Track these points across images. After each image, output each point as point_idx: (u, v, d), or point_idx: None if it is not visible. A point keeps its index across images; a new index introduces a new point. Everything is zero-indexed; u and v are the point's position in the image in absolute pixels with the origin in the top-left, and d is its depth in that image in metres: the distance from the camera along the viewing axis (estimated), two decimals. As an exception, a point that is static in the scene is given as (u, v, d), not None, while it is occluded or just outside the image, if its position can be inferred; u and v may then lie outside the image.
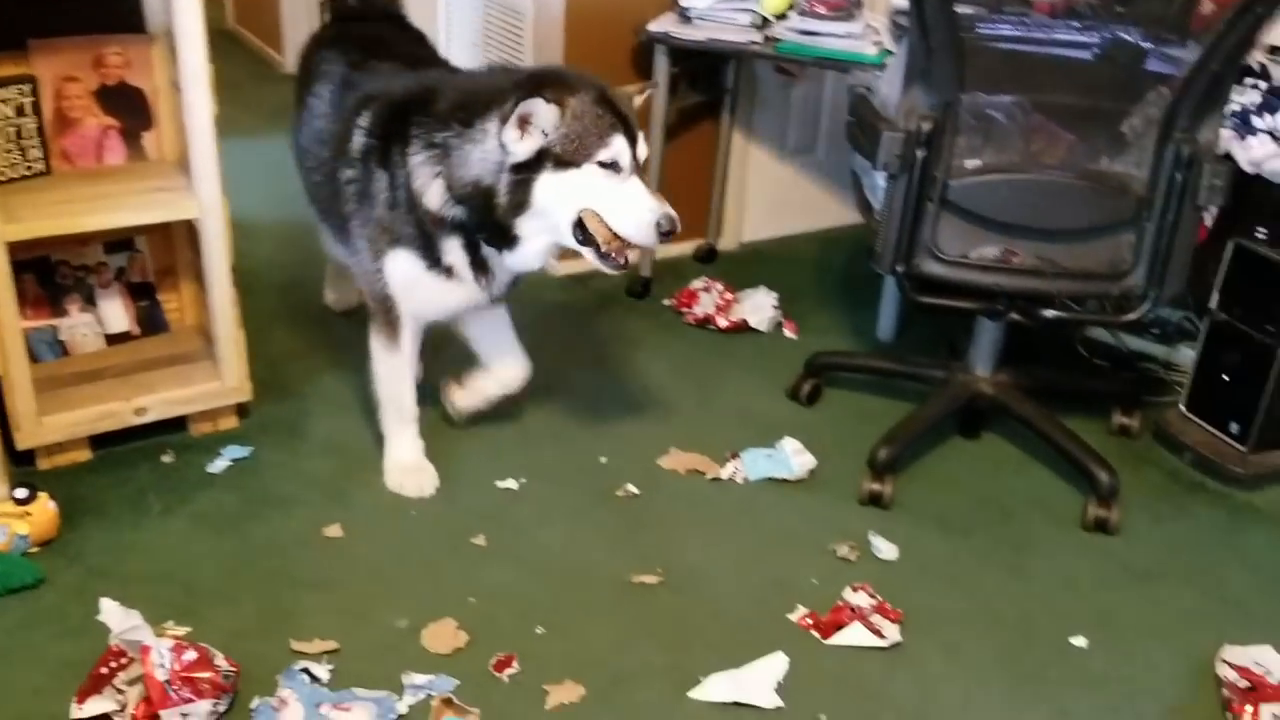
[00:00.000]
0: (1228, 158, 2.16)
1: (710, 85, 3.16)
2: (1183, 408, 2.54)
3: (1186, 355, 2.63)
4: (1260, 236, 2.35)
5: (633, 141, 1.96)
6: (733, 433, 2.51)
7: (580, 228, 1.98)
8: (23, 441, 2.15)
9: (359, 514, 2.18)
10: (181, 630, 1.81)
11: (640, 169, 1.98)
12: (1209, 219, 2.28)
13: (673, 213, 1.95)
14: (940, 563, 2.15)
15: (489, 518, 2.19)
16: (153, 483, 2.22)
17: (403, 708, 1.71)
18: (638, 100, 2.08)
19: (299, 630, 1.86)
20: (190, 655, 1.68)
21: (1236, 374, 2.41)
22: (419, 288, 2.14)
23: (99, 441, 2.27)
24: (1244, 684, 1.85)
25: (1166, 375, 2.78)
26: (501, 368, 2.39)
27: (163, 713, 1.63)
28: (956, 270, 2.19)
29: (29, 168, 2.20)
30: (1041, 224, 2.15)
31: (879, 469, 2.29)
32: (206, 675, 1.67)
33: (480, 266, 2.11)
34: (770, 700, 1.79)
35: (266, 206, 3.38)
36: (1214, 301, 2.44)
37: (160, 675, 1.64)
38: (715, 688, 1.80)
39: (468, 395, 2.42)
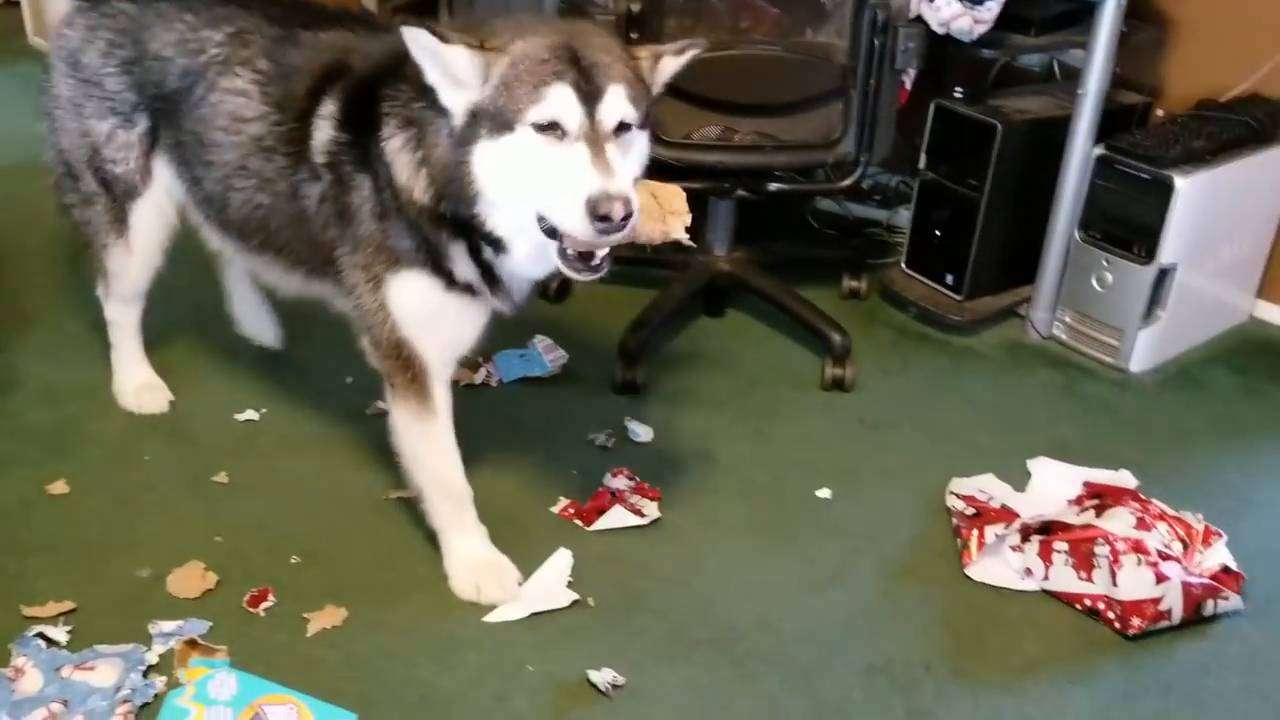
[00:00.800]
0: (919, 20, 2.26)
1: (422, -16, 3.05)
2: (904, 266, 2.69)
3: (905, 218, 2.77)
4: (958, 96, 2.49)
5: (588, 97, 1.46)
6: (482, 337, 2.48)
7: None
8: None
9: (86, 466, 2.04)
10: (-113, 614, 1.66)
11: (607, 136, 1.47)
12: (909, 82, 2.39)
13: (623, 192, 1.44)
14: (693, 438, 2.22)
15: (230, 453, 2.10)
16: None
17: (152, 658, 1.62)
18: (670, 62, 1.61)
19: (30, 595, 1.73)
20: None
21: (947, 229, 2.57)
22: (440, 317, 1.71)
23: None
24: (970, 511, 2.00)
25: (889, 238, 2.93)
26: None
27: (-125, 704, 1.49)
28: (680, 152, 2.22)
29: None
30: (757, 100, 2.20)
31: (629, 356, 2.32)
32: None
33: (490, 275, 1.68)
34: (565, 598, 1.80)
35: None
36: (921, 162, 2.58)
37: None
38: (508, 609, 1.78)
39: None
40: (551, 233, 1.51)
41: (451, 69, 1.49)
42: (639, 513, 1.99)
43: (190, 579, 1.80)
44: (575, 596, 1.81)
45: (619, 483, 2.06)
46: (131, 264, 2.08)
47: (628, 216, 1.43)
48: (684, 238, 1.67)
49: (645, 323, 2.37)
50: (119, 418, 2.18)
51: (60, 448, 2.08)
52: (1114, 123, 2.47)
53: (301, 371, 2.35)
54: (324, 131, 1.69)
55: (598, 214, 1.42)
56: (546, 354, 2.39)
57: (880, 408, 2.35)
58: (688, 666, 1.70)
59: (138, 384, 2.23)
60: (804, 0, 2.18)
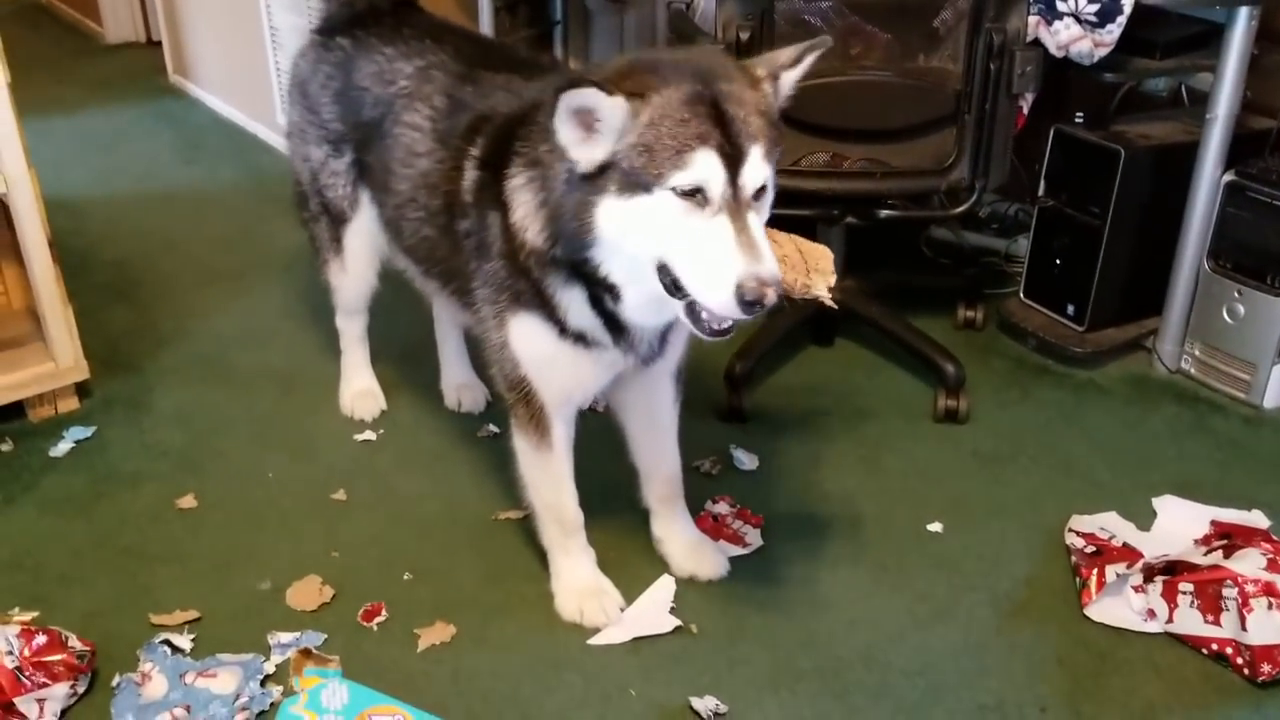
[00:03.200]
0: (1037, 44, 2.22)
1: (537, 17, 3.13)
2: (1022, 296, 2.63)
3: (1024, 246, 2.71)
4: (1078, 121, 2.43)
5: (732, 161, 1.39)
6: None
7: (670, 273, 1.46)
8: None
9: (212, 482, 2.13)
10: (29, 616, 1.75)
11: (748, 204, 1.41)
12: (1026, 107, 2.34)
13: (774, 276, 1.38)
14: (800, 467, 2.20)
15: (348, 472, 2.16)
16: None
17: (270, 667, 1.68)
18: (790, 75, 1.52)
19: (158, 604, 1.81)
20: (40, 640, 1.62)
21: (1068, 258, 2.51)
22: (555, 364, 1.68)
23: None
24: (1090, 549, 1.94)
25: (1007, 268, 2.87)
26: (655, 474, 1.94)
27: (16, 700, 1.57)
28: (788, 179, 2.20)
29: None
30: (867, 125, 2.19)
31: (735, 383, 2.32)
32: (59, 658, 1.62)
33: (613, 323, 1.64)
34: (668, 623, 1.80)
35: (93, 183, 3.25)
36: (1041, 189, 2.52)
37: (9, 663, 1.58)
38: (611, 633, 1.79)
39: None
40: (674, 287, 1.46)
41: (602, 116, 1.41)
42: (741, 542, 1.98)
43: (308, 593, 1.85)
44: (678, 622, 1.81)
45: (721, 508, 2.06)
46: (346, 281, 2.23)
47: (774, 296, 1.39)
48: (826, 297, 1.64)
49: (752, 350, 2.36)
50: (245, 437, 2.26)
51: (189, 465, 2.18)
52: (1244, 148, 2.38)
53: (417, 395, 2.41)
54: (471, 170, 1.70)
55: (746, 299, 1.37)
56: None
57: (995, 440, 2.29)
58: (791, 698, 1.68)
59: (356, 390, 2.36)
60: (917, 25, 2.16)
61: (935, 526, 2.05)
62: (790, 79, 1.52)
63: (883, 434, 2.31)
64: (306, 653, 1.64)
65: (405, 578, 1.90)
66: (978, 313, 2.66)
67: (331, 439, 2.27)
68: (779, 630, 1.81)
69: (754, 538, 1.99)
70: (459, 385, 2.36)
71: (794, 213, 2.36)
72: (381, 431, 2.29)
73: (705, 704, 1.65)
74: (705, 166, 1.38)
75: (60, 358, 2.26)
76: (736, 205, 1.40)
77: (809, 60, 1.52)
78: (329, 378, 2.41)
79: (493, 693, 1.68)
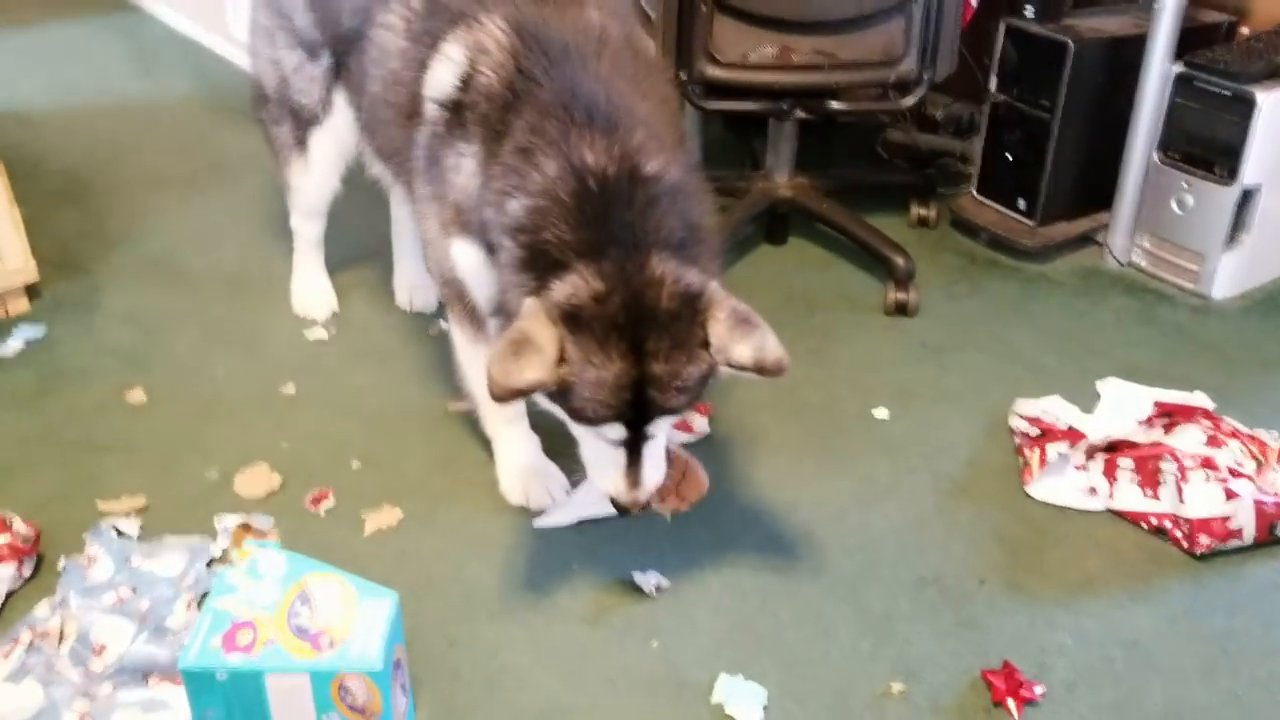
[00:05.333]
0: (986, -68, 2.21)
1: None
2: (974, 192, 2.64)
3: (980, 147, 2.71)
4: (1029, 15, 2.42)
5: (640, 428, 1.45)
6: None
7: None
8: None
9: (162, 377, 2.13)
10: (-28, 502, 1.76)
11: (649, 439, 1.49)
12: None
13: (645, 496, 1.52)
14: (750, 359, 2.22)
15: (298, 368, 2.17)
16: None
17: (216, 550, 1.69)
18: (736, 362, 1.42)
19: (104, 492, 1.82)
20: (-17, 521, 1.63)
21: (1019, 152, 2.51)
22: (487, 278, 1.65)
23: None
24: (1034, 432, 1.96)
25: (963, 168, 2.87)
26: None
27: (-42, 582, 1.59)
28: (736, 72, 2.20)
29: None
30: (814, 17, 2.17)
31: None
32: (4, 540, 1.63)
33: None
34: (607, 508, 1.81)
35: (45, 95, 3.21)
36: (992, 83, 2.51)
37: (-52, 545, 1.59)
38: (555, 515, 1.81)
39: None
40: None
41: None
42: (687, 427, 2.00)
43: (256, 479, 1.86)
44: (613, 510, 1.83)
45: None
46: (309, 183, 2.20)
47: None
48: (666, 515, 1.74)
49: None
50: (194, 335, 2.26)
51: (138, 362, 2.17)
52: (1196, 42, 2.38)
53: (371, 295, 2.41)
54: (439, 74, 1.63)
55: (618, 504, 1.54)
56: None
57: (943, 332, 2.31)
58: (732, 573, 1.71)
59: (308, 290, 2.35)
60: (865, -88, 2.14)
61: (881, 413, 2.07)
62: (734, 366, 1.43)
63: (831, 326, 2.33)
64: (246, 527, 1.66)
65: (354, 466, 1.91)
66: (931, 210, 2.67)
67: (282, 337, 2.26)
68: (722, 510, 1.83)
69: (701, 425, 2.01)
70: (411, 285, 2.36)
71: (744, 107, 2.37)
72: (333, 330, 2.29)
73: (647, 579, 1.68)
74: (612, 430, 1.44)
75: (9, 259, 2.24)
76: (636, 444, 1.47)
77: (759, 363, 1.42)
78: (280, 279, 2.40)
79: (437, 572, 1.70)
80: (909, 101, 2.24)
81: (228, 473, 1.88)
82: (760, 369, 1.40)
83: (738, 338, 1.39)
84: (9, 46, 3.66)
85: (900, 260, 2.33)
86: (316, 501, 1.82)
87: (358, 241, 2.52)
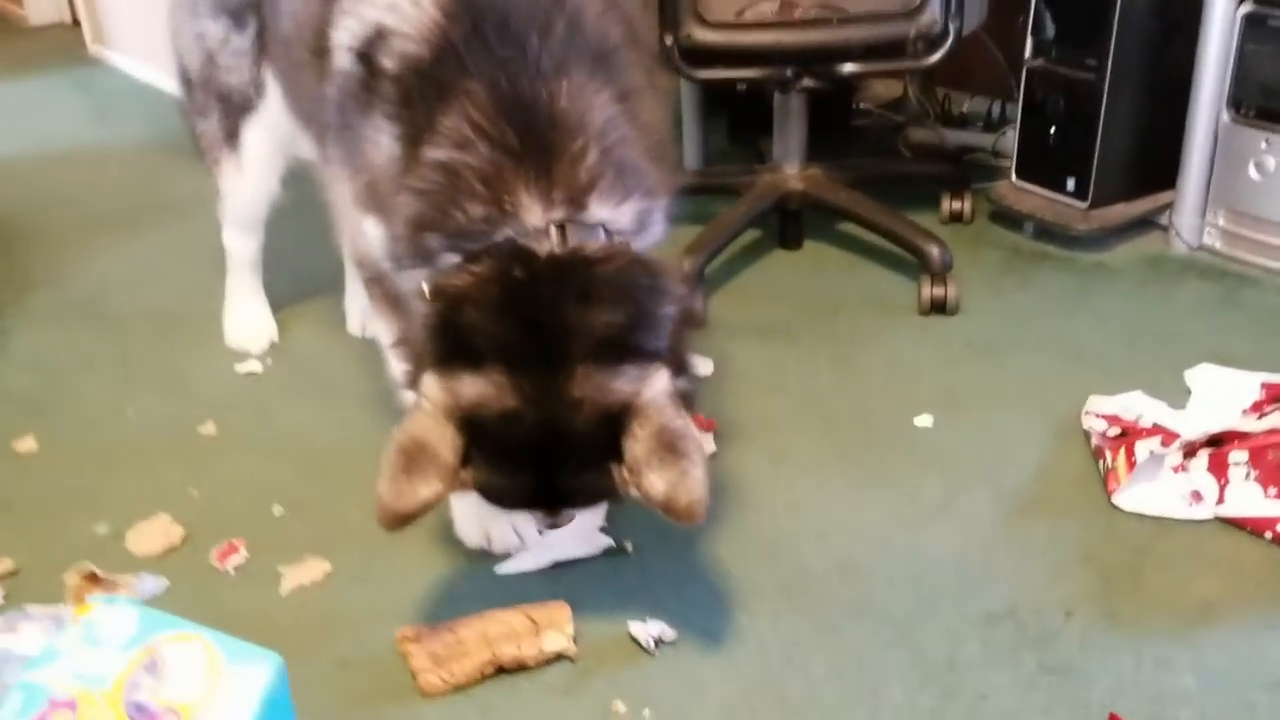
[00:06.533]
0: None
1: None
2: (1014, 178, 2.29)
3: (1012, 140, 2.35)
4: (1064, -39, 2.10)
5: (553, 512, 1.28)
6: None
7: None
8: None
9: (61, 425, 1.79)
10: None
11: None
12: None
13: (515, 540, 1.44)
14: (760, 370, 1.85)
15: (224, 406, 1.82)
16: None
17: (87, 619, 1.33)
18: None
19: (-34, 557, 1.47)
20: None
21: (1064, 125, 2.16)
22: None
23: None
24: (1114, 431, 1.58)
25: (995, 162, 2.53)
26: None
27: None
28: (730, 33, 1.88)
29: None
30: (817, -38, 1.86)
31: (688, 280, 1.97)
32: None
33: None
34: (597, 543, 1.46)
35: None
36: (1027, 49, 2.18)
37: None
38: (524, 559, 1.45)
39: None
40: None
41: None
42: (691, 447, 1.63)
43: (152, 535, 1.50)
44: (609, 542, 1.46)
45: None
46: (243, 185, 1.89)
47: None
48: (570, 649, 1.29)
49: (703, 245, 2.02)
50: (108, 377, 1.92)
51: (37, 408, 1.83)
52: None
53: (316, 321, 2.07)
54: (351, 15, 1.31)
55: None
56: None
57: (992, 330, 1.94)
58: (749, 618, 1.33)
59: (242, 318, 2.05)
60: None
61: (923, 421, 1.69)
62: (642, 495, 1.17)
63: (858, 331, 1.96)
64: (93, 578, 1.29)
65: (275, 513, 1.55)
66: (965, 203, 2.32)
67: (208, 373, 1.92)
68: (733, 544, 1.45)
69: (707, 445, 1.64)
70: (365, 308, 2.01)
71: (740, 75, 2.05)
72: (269, 363, 1.95)
73: (646, 629, 1.30)
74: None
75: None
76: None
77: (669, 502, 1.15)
78: (213, 314, 2.06)
79: (371, 637, 1.32)
80: (934, 60, 1.90)
81: (120, 528, 1.52)
82: (668, 509, 1.14)
83: (654, 465, 1.14)
84: None
85: (935, 249, 1.98)
86: (225, 556, 1.46)
87: (302, 268, 2.19)
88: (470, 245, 1.16)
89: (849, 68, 1.96)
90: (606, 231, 1.18)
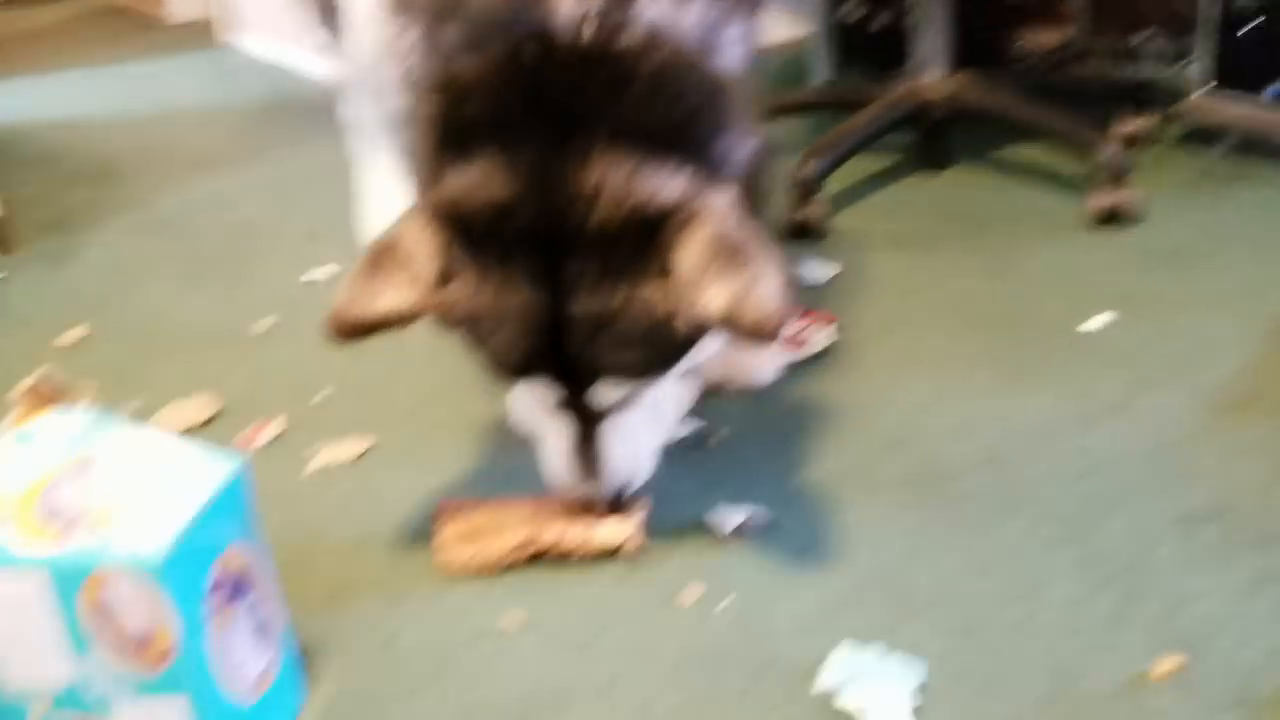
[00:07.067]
0: None
1: None
2: (1207, 89, 1.94)
3: (1195, 71, 2.01)
4: None
5: (576, 384, 0.95)
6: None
7: None
8: None
9: (116, 317, 1.63)
10: None
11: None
12: None
13: (609, 485, 1.00)
14: (894, 276, 1.57)
15: (284, 306, 1.63)
16: None
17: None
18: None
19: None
20: None
21: (1268, 17, 1.82)
22: None
23: None
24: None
25: (1179, 88, 2.19)
26: None
27: None
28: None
29: None
30: None
31: (802, 190, 1.71)
32: None
33: None
34: (682, 427, 1.18)
35: (110, 110, 3.04)
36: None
37: None
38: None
39: None
40: None
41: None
42: (798, 343, 1.36)
43: (183, 412, 1.33)
44: (699, 424, 1.20)
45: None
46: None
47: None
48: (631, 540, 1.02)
49: (826, 149, 1.75)
50: (171, 281, 1.76)
51: (97, 304, 1.68)
52: None
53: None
54: None
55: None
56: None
57: (1179, 238, 1.60)
58: (862, 511, 1.05)
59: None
60: None
61: (1097, 322, 1.38)
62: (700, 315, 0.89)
63: (1016, 240, 1.65)
64: (50, 390, 1.06)
65: (316, 399, 1.35)
66: (1146, 125, 1.98)
67: (271, 279, 1.73)
68: (848, 438, 1.18)
69: (821, 339, 1.37)
70: None
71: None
72: (340, 269, 1.77)
73: (726, 518, 1.04)
74: (535, 389, 0.96)
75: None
76: (585, 415, 0.97)
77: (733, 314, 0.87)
78: (284, 232, 1.90)
79: (397, 515, 1.10)
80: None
81: (152, 407, 1.34)
82: (733, 323, 0.86)
83: (713, 273, 0.86)
84: (104, 74, 3.58)
85: (1109, 150, 1.66)
86: (255, 434, 1.27)
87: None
88: (489, 33, 0.91)
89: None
90: (659, 31, 0.91)
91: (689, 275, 0.86)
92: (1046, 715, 0.81)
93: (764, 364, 1.29)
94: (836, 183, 1.86)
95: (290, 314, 1.60)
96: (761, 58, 1.15)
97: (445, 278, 0.91)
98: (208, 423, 1.31)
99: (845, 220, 1.77)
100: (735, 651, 0.89)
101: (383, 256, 0.91)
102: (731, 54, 0.99)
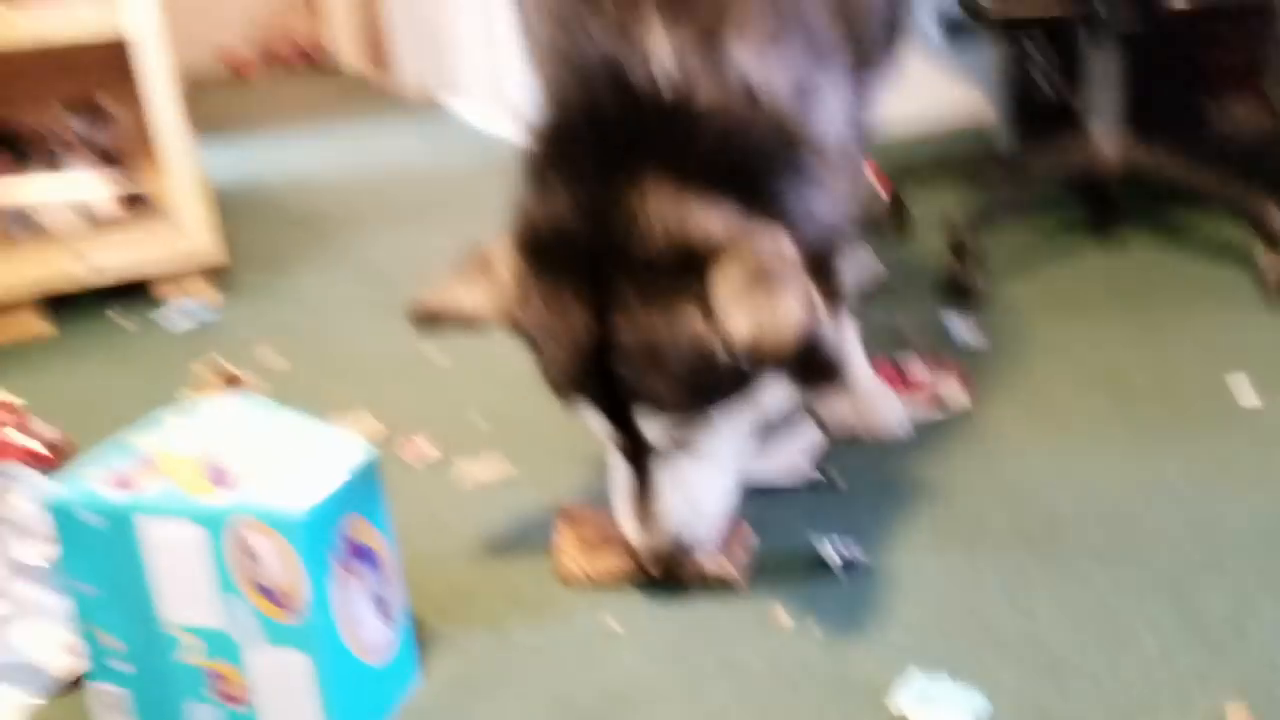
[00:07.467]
0: None
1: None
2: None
3: None
4: None
5: (619, 410, 0.98)
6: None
7: None
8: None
9: (309, 344, 1.82)
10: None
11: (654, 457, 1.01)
12: None
13: (663, 533, 1.01)
14: (1045, 338, 1.58)
15: (466, 346, 1.76)
16: (104, 340, 1.96)
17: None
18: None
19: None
20: (4, 416, 1.34)
21: None
22: None
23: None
24: None
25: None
26: None
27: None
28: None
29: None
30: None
31: (960, 251, 1.73)
32: (20, 441, 1.32)
33: None
34: (801, 473, 1.25)
35: (331, 166, 3.31)
36: None
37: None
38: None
39: None
40: None
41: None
42: (939, 402, 1.38)
43: (351, 425, 1.47)
44: (816, 475, 1.24)
45: (913, 364, 1.47)
46: None
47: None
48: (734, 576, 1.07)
49: (988, 212, 1.77)
50: (361, 316, 1.97)
51: (295, 332, 1.88)
52: None
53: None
54: None
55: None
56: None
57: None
58: (965, 554, 1.07)
59: None
60: None
61: (1248, 399, 1.35)
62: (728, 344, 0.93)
63: (1177, 308, 1.63)
64: (231, 378, 1.20)
65: (477, 422, 1.47)
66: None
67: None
68: (967, 484, 1.20)
69: (952, 393, 1.39)
70: None
71: (1039, 11, 1.81)
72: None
73: (834, 549, 1.07)
74: (586, 413, 1.01)
75: (190, 234, 2.08)
76: (640, 457, 1.01)
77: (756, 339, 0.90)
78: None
79: (529, 526, 1.20)
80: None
81: (327, 419, 1.49)
82: (757, 350, 0.89)
83: (740, 302, 0.90)
84: (335, 136, 4.00)
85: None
86: (412, 452, 1.39)
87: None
88: (581, 84, 0.98)
89: (1179, 4, 1.67)
90: (747, 87, 0.96)
91: (721, 303, 0.91)
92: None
93: (896, 417, 1.33)
94: (1004, 247, 1.90)
95: (460, 354, 1.74)
96: (873, 128, 1.21)
97: (520, 293, 0.99)
98: (373, 437, 1.44)
99: (1007, 283, 1.79)
100: (817, 670, 0.93)
101: (475, 266, 1.02)
102: (826, 118, 1.02)
